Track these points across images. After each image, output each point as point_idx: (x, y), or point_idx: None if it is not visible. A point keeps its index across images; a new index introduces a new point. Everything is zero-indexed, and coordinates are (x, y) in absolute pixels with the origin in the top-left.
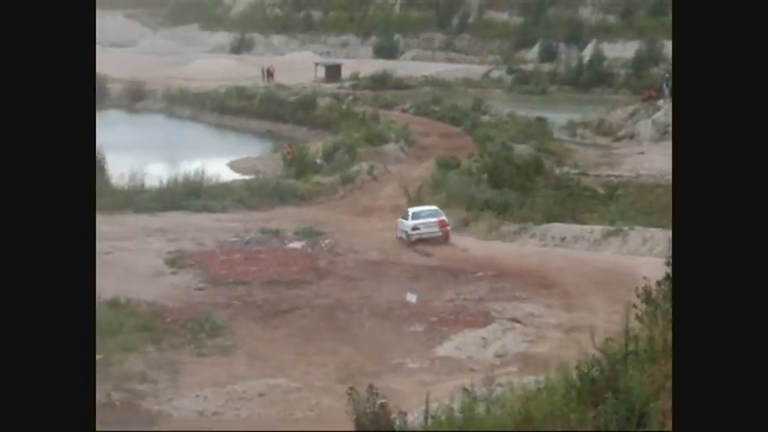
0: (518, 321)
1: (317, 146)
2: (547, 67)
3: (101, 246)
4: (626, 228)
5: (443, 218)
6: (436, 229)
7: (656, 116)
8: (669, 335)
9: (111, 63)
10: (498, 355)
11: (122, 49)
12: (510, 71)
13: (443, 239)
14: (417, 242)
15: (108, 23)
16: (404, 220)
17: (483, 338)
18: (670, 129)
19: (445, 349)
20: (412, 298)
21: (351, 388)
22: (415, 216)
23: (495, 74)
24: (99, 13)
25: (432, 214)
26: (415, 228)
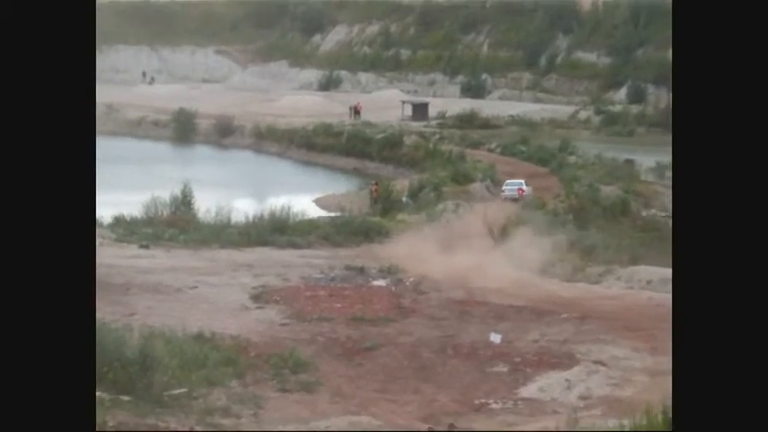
0: (603, 364)
1: (402, 184)
2: (635, 108)
3: (188, 280)
4: None
5: (522, 187)
6: (516, 193)
7: None
8: None
9: (201, 99)
10: (582, 398)
11: (212, 84)
12: (598, 112)
13: (519, 197)
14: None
15: (199, 60)
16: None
17: (567, 380)
18: None
19: (529, 390)
20: (496, 338)
21: (430, 428)
22: (507, 185)
23: (583, 114)
24: (190, 49)
25: (516, 185)
26: (502, 191)
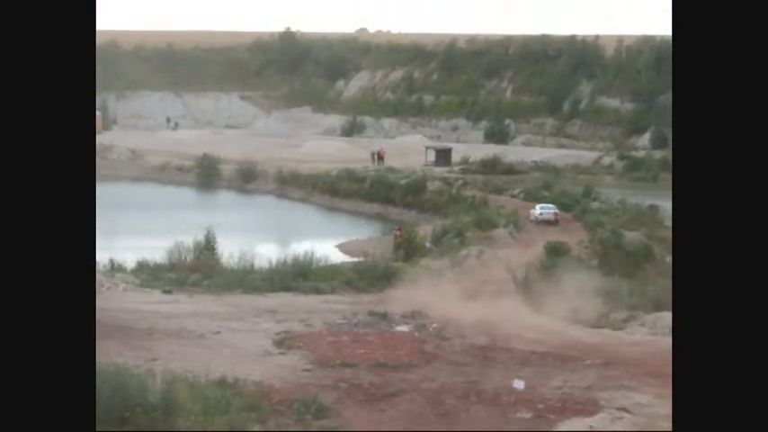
0: (627, 411)
1: (426, 229)
2: (658, 153)
3: (211, 325)
4: None
5: (556, 211)
6: (551, 216)
7: None
8: None
9: (225, 144)
10: None
11: (236, 130)
12: (621, 157)
13: (554, 222)
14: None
15: (223, 105)
16: (532, 210)
17: (591, 427)
18: None
19: None
20: (519, 384)
21: None
22: (543, 208)
23: (607, 160)
24: (214, 95)
25: (550, 208)
26: (540, 214)
